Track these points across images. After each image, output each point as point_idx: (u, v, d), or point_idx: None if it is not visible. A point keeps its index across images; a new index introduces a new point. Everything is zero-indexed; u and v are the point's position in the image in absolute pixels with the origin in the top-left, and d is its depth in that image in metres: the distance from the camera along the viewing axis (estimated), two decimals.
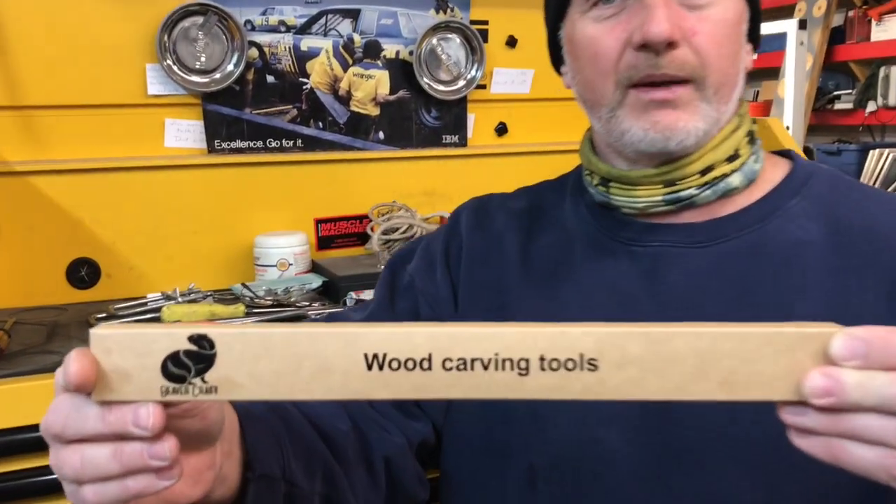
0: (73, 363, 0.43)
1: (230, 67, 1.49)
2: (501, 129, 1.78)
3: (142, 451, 0.44)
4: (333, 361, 0.44)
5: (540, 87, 1.79)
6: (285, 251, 1.47)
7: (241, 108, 1.53)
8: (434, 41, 1.65)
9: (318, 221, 1.60)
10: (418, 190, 1.69)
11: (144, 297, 1.38)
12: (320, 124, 1.59)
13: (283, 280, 1.44)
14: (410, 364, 0.44)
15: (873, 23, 3.45)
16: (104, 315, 1.28)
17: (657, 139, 0.66)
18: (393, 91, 1.64)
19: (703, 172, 0.69)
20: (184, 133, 1.51)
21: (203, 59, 1.47)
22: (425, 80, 1.64)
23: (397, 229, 1.54)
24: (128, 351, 0.44)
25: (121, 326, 0.45)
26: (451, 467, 0.77)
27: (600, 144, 0.76)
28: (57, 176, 1.41)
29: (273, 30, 1.53)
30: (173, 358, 0.44)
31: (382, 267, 1.44)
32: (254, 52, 1.52)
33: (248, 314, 1.27)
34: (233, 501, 0.58)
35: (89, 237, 1.44)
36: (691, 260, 0.69)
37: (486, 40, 1.69)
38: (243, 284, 1.37)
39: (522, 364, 0.44)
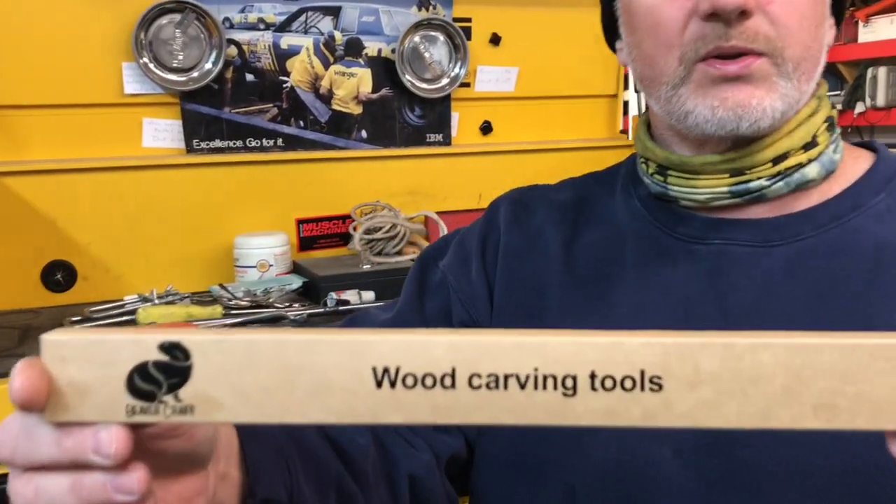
0: (19, 376, 0.36)
1: (208, 66, 1.46)
2: (486, 128, 1.76)
3: (105, 484, 0.37)
4: (335, 376, 0.36)
5: (525, 85, 1.77)
6: (265, 252, 1.45)
7: (220, 108, 1.50)
8: (416, 38, 1.63)
9: (300, 222, 1.57)
10: (402, 189, 1.66)
11: (122, 300, 1.35)
12: (301, 123, 1.57)
13: (262, 281, 1.41)
14: (429, 381, 0.36)
15: (860, 24, 3.46)
16: (79, 318, 1.26)
17: (727, 119, 0.58)
18: (375, 89, 1.62)
19: (776, 161, 0.61)
20: (162, 133, 1.48)
21: (180, 57, 1.45)
22: (408, 77, 1.62)
23: (380, 228, 1.51)
24: (87, 361, 0.36)
25: (80, 331, 0.37)
26: (481, 486, 0.70)
27: (659, 128, 0.68)
28: (31, 177, 1.38)
29: (252, 27, 1.50)
30: (141, 370, 0.37)
31: (365, 266, 1.42)
32: (232, 51, 1.49)
33: (225, 315, 1.24)
34: None
35: (65, 239, 1.41)
36: (761, 261, 0.61)
37: (469, 38, 1.67)
38: (221, 285, 1.34)
39: (568, 382, 0.36)
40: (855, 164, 0.65)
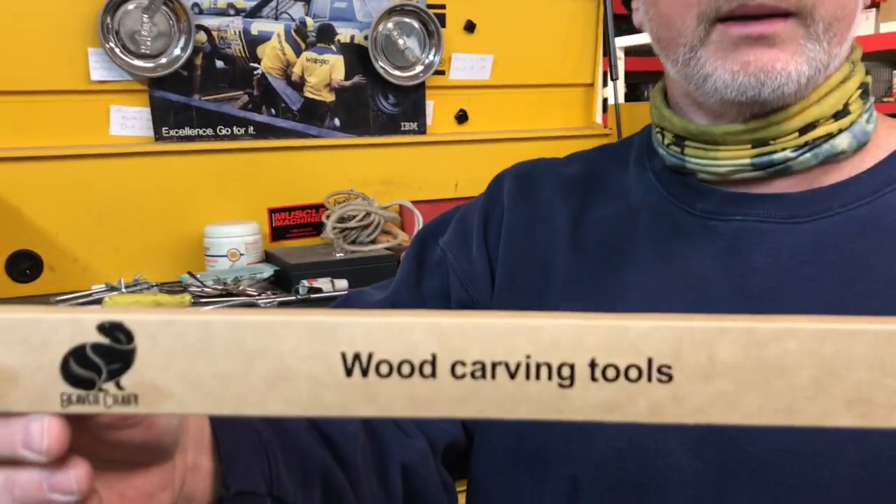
0: None
1: (177, 52, 1.44)
2: (462, 117, 1.74)
3: (40, 482, 0.33)
4: (298, 363, 0.32)
5: (500, 73, 1.76)
6: (236, 241, 1.42)
7: (190, 95, 1.48)
8: (390, 25, 1.61)
9: (272, 211, 1.55)
10: (376, 178, 1.64)
11: (89, 290, 1.32)
12: (273, 111, 1.55)
13: (233, 270, 1.39)
14: (406, 369, 0.32)
15: None
16: None
17: (748, 84, 0.54)
18: (348, 76, 1.60)
19: (803, 131, 0.57)
20: (130, 120, 1.45)
21: (148, 42, 1.42)
22: (381, 65, 1.60)
23: (353, 217, 1.49)
24: (17, 343, 0.32)
25: (9, 309, 0.33)
26: (480, 475, 0.66)
27: (676, 95, 0.63)
28: None
29: (222, 13, 1.48)
30: (77, 354, 0.32)
31: (338, 255, 1.40)
32: (202, 37, 1.47)
33: (194, 304, 1.22)
34: None
35: (31, 229, 1.38)
36: (784, 238, 0.57)
37: (443, 25, 1.66)
38: (190, 273, 1.32)
39: (565, 371, 0.32)
40: (889, 136, 0.61)
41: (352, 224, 1.49)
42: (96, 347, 0.32)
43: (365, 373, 0.32)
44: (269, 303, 1.23)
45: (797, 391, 0.32)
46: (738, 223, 0.59)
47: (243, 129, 1.53)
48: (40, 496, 0.34)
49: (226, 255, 1.42)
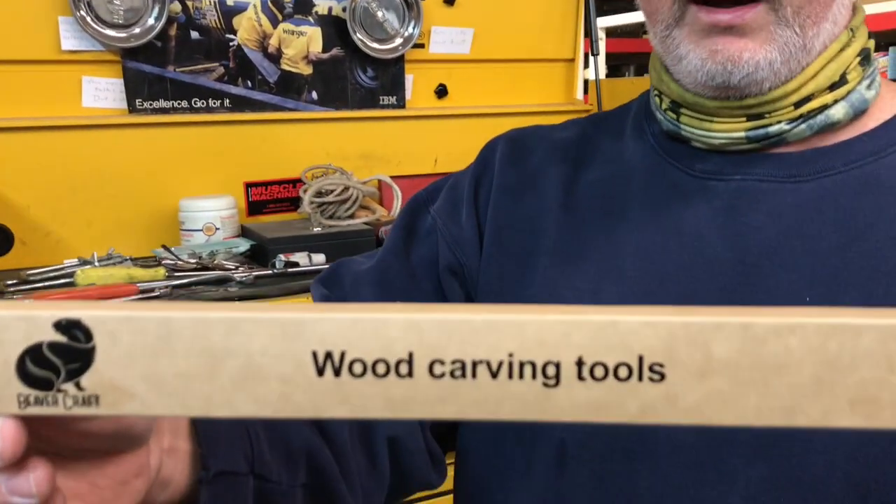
0: None
1: (150, 21, 1.41)
2: (441, 91, 1.73)
3: None
4: (266, 362, 0.31)
5: (481, 47, 1.74)
6: (211, 215, 1.41)
7: (164, 66, 1.45)
8: None
9: (248, 185, 1.53)
10: (354, 153, 1.63)
11: (61, 264, 1.30)
12: (249, 83, 1.52)
13: (208, 244, 1.37)
14: (381, 368, 0.31)
15: None
16: (15, 281, 1.21)
17: (717, 71, 0.54)
18: (326, 49, 1.58)
19: (798, 104, 0.57)
20: (103, 92, 1.43)
21: (121, 12, 1.39)
22: (359, 37, 1.58)
23: (332, 191, 1.48)
24: None
25: None
26: (468, 444, 0.66)
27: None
28: None
29: None
30: (33, 353, 0.31)
31: (315, 229, 1.38)
32: (176, 6, 1.44)
33: (169, 277, 1.21)
34: (186, 502, 0.46)
35: (1, 202, 1.36)
36: (784, 197, 0.56)
37: None
38: (165, 247, 1.30)
39: (550, 370, 0.30)
40: (893, 100, 0.60)
41: (330, 199, 1.47)
42: (53, 346, 0.31)
43: (337, 372, 0.31)
44: (246, 276, 1.21)
45: (798, 390, 0.30)
46: (738, 183, 0.58)
47: (219, 101, 1.50)
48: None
49: (201, 230, 1.40)
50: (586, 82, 1.97)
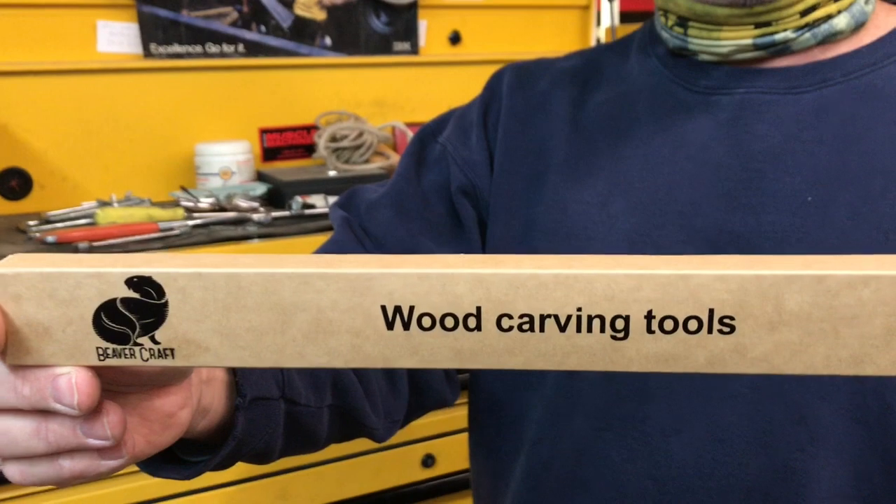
0: None
1: None
2: (455, 38, 1.72)
3: (74, 430, 0.34)
4: (337, 316, 0.31)
5: None
6: (227, 159, 1.41)
7: (178, 10, 1.44)
8: None
9: (263, 131, 1.53)
10: (368, 100, 1.63)
11: (80, 206, 1.31)
12: (263, 28, 1.52)
13: (225, 187, 1.38)
14: (450, 322, 0.31)
15: None
16: (36, 222, 1.22)
17: None
18: None
19: (804, 13, 0.58)
20: (117, 36, 1.42)
21: None
22: None
23: (346, 136, 1.48)
24: (45, 298, 0.31)
25: (33, 261, 0.32)
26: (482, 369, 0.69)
27: None
28: None
29: None
30: (108, 309, 0.32)
31: (331, 172, 1.39)
32: None
33: (187, 218, 1.22)
34: (222, 428, 0.48)
35: (19, 146, 1.36)
36: (786, 108, 0.59)
37: None
38: (183, 188, 1.31)
39: (619, 324, 0.30)
40: (888, 17, 0.62)
41: (344, 144, 1.48)
42: (127, 302, 0.32)
43: (406, 326, 0.31)
44: (263, 217, 1.22)
45: (868, 340, 0.30)
46: (742, 95, 0.60)
47: (233, 46, 1.50)
48: (75, 442, 0.34)
49: (217, 174, 1.41)
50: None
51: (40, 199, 1.37)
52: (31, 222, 1.21)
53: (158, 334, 0.32)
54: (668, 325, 0.30)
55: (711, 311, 0.30)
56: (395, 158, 1.52)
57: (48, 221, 1.22)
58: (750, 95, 0.60)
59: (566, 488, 0.62)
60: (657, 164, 0.61)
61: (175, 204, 1.29)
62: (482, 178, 0.68)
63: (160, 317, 0.32)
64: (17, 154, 1.36)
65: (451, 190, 0.69)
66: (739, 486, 0.56)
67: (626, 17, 1.77)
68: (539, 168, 0.66)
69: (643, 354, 0.31)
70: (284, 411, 0.52)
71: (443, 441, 1.28)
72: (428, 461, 1.27)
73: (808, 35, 0.59)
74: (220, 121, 1.50)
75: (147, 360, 0.33)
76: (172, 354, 0.33)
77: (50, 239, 1.10)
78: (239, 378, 0.48)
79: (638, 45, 0.69)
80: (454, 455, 1.28)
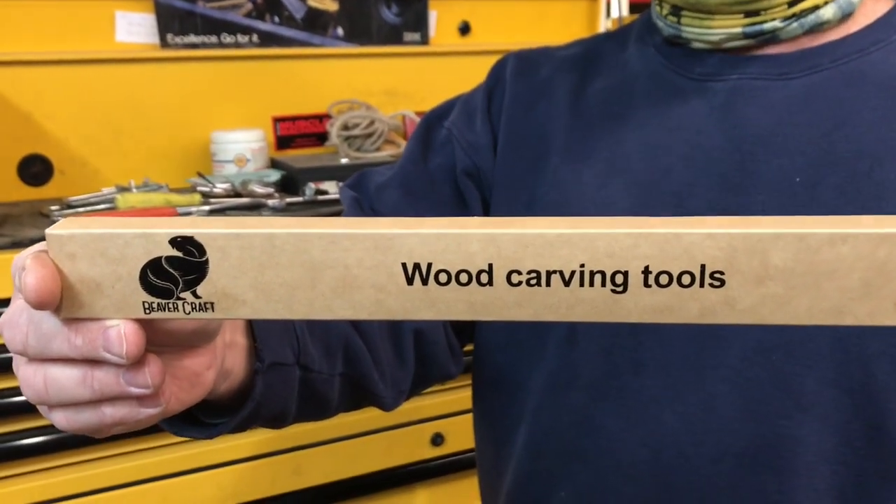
0: (31, 275, 0.34)
1: None
2: (465, 29, 1.74)
3: (117, 378, 0.37)
4: (362, 272, 0.34)
5: None
6: (242, 147, 1.45)
7: (194, 1, 1.48)
8: None
9: (277, 120, 1.57)
10: (379, 89, 1.66)
11: (100, 192, 1.35)
12: (276, 19, 1.55)
13: (240, 174, 1.41)
14: (464, 277, 0.34)
15: None
16: (58, 207, 1.26)
17: None
18: None
19: (792, 3, 0.61)
20: (135, 27, 1.46)
21: None
22: None
23: (358, 125, 1.51)
24: (96, 256, 0.35)
25: (85, 223, 0.35)
26: (484, 336, 0.72)
27: None
28: (5, 68, 1.37)
29: None
30: (154, 266, 0.35)
31: (343, 160, 1.42)
32: None
33: (203, 203, 1.25)
34: (240, 393, 0.51)
35: (41, 133, 1.40)
36: (775, 92, 0.61)
37: None
38: (200, 174, 1.35)
39: (618, 278, 0.33)
40: (875, 6, 0.64)
41: (356, 132, 1.51)
42: (171, 260, 0.35)
43: (425, 281, 0.34)
44: (278, 202, 1.26)
45: (847, 293, 0.32)
46: (734, 82, 0.63)
47: (247, 37, 1.53)
48: (118, 390, 0.37)
49: (232, 161, 1.44)
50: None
51: (61, 184, 1.41)
52: (53, 207, 1.25)
53: (200, 289, 0.35)
54: (664, 279, 0.33)
55: (703, 267, 0.33)
56: (405, 146, 1.55)
57: (69, 206, 1.26)
58: (742, 81, 0.63)
59: (565, 456, 0.65)
60: (653, 148, 0.63)
61: (192, 190, 1.33)
62: (486, 160, 0.72)
63: (201, 273, 0.35)
64: (39, 141, 1.40)
65: (457, 172, 0.72)
66: (730, 453, 0.59)
67: (635, 8, 1.80)
68: (541, 151, 0.69)
69: (641, 306, 0.34)
70: (299, 377, 0.55)
71: (451, 420, 1.32)
72: (437, 440, 1.31)
73: (795, 25, 0.61)
74: (234, 109, 1.53)
75: (189, 312, 0.36)
76: (212, 308, 0.36)
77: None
78: (258, 344, 0.51)
79: (636, 35, 0.72)
80: (462, 434, 1.32)
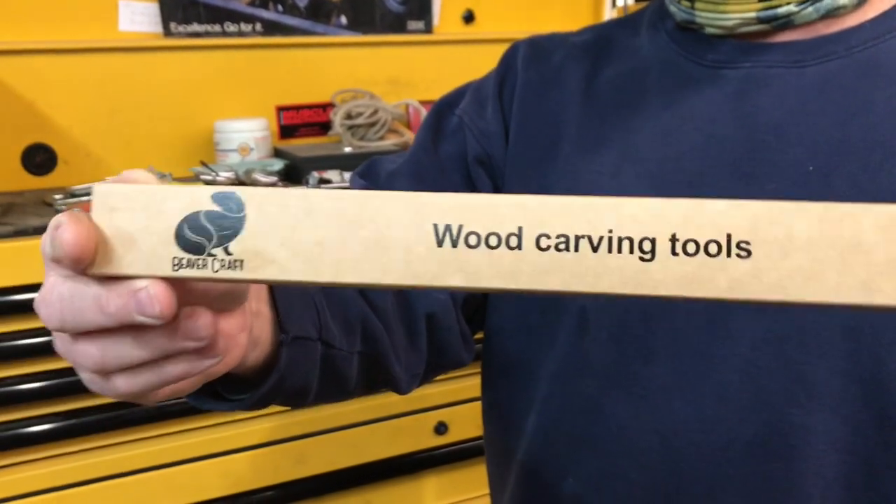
0: (68, 231, 0.34)
1: None
2: (469, 17, 1.74)
3: (170, 336, 0.37)
4: (394, 233, 0.35)
5: None
6: (245, 136, 1.45)
7: None
8: None
9: (280, 109, 1.56)
10: (383, 78, 1.65)
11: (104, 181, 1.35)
12: (280, 7, 1.55)
13: (244, 163, 1.41)
14: (494, 240, 0.34)
15: None
16: (61, 196, 1.26)
17: None
18: None
19: None
20: (139, 16, 1.46)
21: None
22: None
23: (361, 114, 1.51)
24: (137, 210, 0.35)
25: (131, 182, 0.36)
26: (495, 323, 0.72)
27: None
28: (8, 57, 1.37)
29: None
30: (192, 220, 0.35)
31: (346, 149, 1.42)
32: None
33: None
34: (265, 366, 0.51)
35: (44, 122, 1.40)
36: (790, 81, 0.61)
37: None
38: (203, 163, 1.35)
39: (646, 245, 0.33)
40: None
41: (360, 121, 1.51)
42: (210, 214, 0.35)
43: (455, 243, 0.34)
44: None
45: (874, 268, 0.32)
46: (748, 70, 0.62)
47: (251, 26, 1.53)
48: (174, 346, 0.37)
49: (236, 150, 1.44)
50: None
51: (64, 173, 1.41)
52: (57, 196, 1.25)
53: (232, 245, 0.35)
54: (691, 247, 0.33)
55: (729, 236, 0.33)
56: (409, 135, 1.55)
57: (73, 195, 1.26)
58: (756, 69, 0.62)
59: (575, 443, 0.65)
60: (666, 136, 0.63)
61: (195, 178, 1.33)
62: (498, 148, 0.71)
63: (236, 229, 0.35)
64: (43, 130, 1.40)
65: (468, 160, 0.71)
66: (740, 441, 0.58)
67: None
68: (553, 138, 0.68)
69: (669, 276, 0.33)
70: (321, 353, 0.55)
71: (455, 409, 1.32)
72: (441, 428, 1.31)
73: (810, 9, 0.60)
74: (238, 98, 1.53)
75: (217, 270, 0.35)
76: (241, 266, 0.36)
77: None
78: (282, 316, 0.51)
79: (648, 21, 0.71)
80: (466, 423, 1.32)
